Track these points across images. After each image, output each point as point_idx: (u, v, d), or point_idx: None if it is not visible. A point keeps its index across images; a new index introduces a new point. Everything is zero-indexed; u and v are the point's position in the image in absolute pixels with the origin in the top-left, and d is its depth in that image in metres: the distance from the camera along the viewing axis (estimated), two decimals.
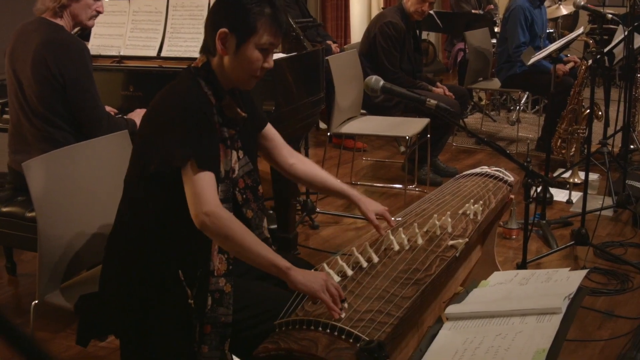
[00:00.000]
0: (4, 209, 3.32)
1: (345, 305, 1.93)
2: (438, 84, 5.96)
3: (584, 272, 2.01)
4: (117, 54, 4.04)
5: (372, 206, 2.51)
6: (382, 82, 2.51)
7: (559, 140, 5.63)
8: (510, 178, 3.03)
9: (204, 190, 2.05)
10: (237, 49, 2.19)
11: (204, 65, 2.25)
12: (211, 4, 2.29)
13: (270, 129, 2.55)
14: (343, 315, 1.88)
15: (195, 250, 2.16)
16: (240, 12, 2.18)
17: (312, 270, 2.07)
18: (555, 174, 5.50)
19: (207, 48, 2.25)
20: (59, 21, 3.33)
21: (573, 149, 5.60)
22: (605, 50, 4.64)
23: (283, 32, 2.25)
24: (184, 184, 2.08)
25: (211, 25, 2.23)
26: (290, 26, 4.10)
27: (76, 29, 4.06)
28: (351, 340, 1.76)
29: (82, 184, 2.73)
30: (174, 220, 2.16)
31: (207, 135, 2.13)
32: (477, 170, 3.12)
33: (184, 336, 2.15)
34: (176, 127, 2.10)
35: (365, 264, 2.19)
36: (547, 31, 6.93)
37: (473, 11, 8.68)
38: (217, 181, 2.16)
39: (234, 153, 2.29)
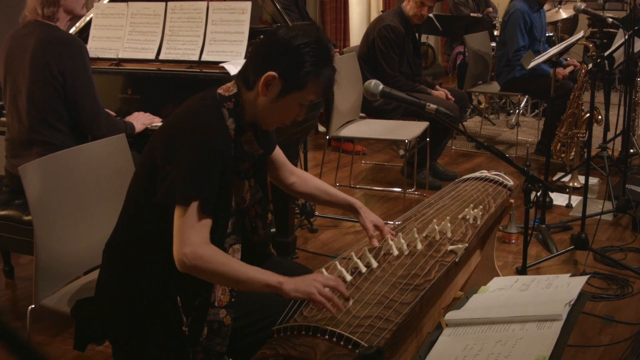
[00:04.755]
0: (1, 212, 3.31)
1: (350, 303, 1.93)
2: (437, 87, 5.94)
3: (584, 278, 2.00)
4: (115, 56, 4.02)
5: (371, 216, 2.51)
6: (381, 86, 2.49)
7: (559, 144, 5.61)
8: (510, 182, 3.02)
9: (191, 230, 1.97)
10: (278, 97, 2.11)
11: (233, 96, 2.15)
12: (266, 39, 2.19)
13: (277, 151, 2.53)
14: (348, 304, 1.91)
15: (197, 280, 2.07)
16: (297, 64, 2.08)
17: (303, 276, 2.02)
18: (554, 178, 5.49)
19: (246, 80, 2.15)
20: (53, 23, 3.33)
21: (573, 153, 5.59)
22: (605, 54, 4.62)
23: (329, 92, 2.19)
24: (175, 218, 2.00)
25: (260, 62, 2.12)
26: None
27: (72, 29, 4.07)
28: (350, 347, 1.74)
29: (79, 188, 2.71)
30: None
31: (218, 178, 2.04)
32: (477, 174, 3.11)
33: (176, 355, 2.13)
34: (188, 163, 2.01)
35: (364, 269, 2.17)
36: (547, 35, 6.92)
37: (472, 14, 8.67)
38: (227, 215, 2.13)
39: (246, 182, 2.25)
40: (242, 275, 1.98)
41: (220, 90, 2.17)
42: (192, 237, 1.97)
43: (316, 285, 1.93)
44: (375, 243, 2.40)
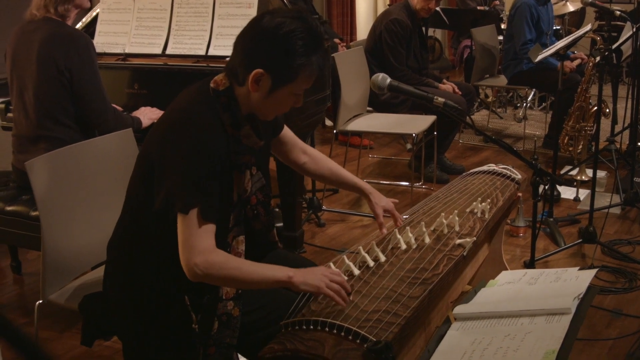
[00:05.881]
0: (9, 208, 3.31)
1: (350, 297, 1.93)
2: (445, 80, 5.93)
3: (593, 272, 1.99)
4: (122, 51, 4.02)
5: (382, 202, 2.49)
6: (388, 80, 2.48)
7: (566, 138, 5.60)
8: (518, 176, 3.01)
9: (198, 239, 1.92)
10: (270, 92, 2.02)
11: (226, 90, 2.06)
12: (250, 29, 2.06)
13: (286, 131, 2.47)
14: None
15: None
16: (285, 58, 1.99)
17: (311, 268, 2.03)
18: (562, 172, 5.47)
19: (235, 75, 2.05)
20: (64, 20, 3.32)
21: (580, 146, 5.57)
22: (613, 47, 4.60)
23: (322, 76, 2.11)
24: (178, 227, 1.95)
25: (247, 57, 2.02)
26: None
27: (79, 25, 4.06)
28: (358, 341, 1.73)
29: (86, 183, 2.71)
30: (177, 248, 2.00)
31: (217, 183, 1.99)
32: (485, 168, 3.10)
33: (187, 350, 2.12)
34: (183, 168, 1.95)
35: (372, 263, 2.16)
36: (554, 28, 6.89)
37: (478, 8, 8.65)
38: (228, 211, 2.10)
39: (247, 172, 2.17)
40: (254, 276, 1.96)
41: (212, 85, 2.08)
42: (200, 245, 1.93)
43: (324, 279, 1.92)
44: (385, 231, 2.38)
